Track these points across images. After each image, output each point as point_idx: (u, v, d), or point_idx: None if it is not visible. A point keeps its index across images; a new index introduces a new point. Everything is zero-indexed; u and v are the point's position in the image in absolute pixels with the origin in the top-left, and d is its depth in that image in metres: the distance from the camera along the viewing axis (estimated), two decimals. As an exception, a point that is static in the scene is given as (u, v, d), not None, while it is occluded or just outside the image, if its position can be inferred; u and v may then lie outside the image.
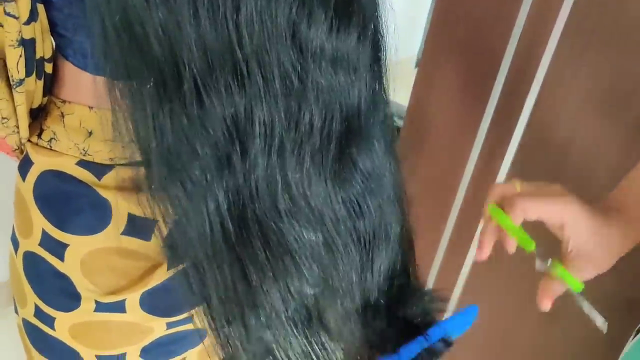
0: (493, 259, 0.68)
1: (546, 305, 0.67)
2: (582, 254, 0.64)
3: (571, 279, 0.65)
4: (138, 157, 0.51)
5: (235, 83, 0.48)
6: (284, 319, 0.58)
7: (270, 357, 0.60)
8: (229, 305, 0.57)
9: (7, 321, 1.83)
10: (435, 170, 1.35)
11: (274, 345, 0.59)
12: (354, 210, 0.58)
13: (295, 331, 0.59)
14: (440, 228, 1.36)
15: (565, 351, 1.25)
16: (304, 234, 0.55)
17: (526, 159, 1.18)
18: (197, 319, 0.71)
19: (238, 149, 0.50)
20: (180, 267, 0.62)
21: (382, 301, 0.65)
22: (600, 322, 0.65)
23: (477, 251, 0.69)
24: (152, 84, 0.47)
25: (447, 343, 0.68)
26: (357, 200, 0.58)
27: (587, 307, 0.65)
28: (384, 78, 0.59)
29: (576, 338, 1.20)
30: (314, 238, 0.56)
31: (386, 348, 0.66)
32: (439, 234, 1.36)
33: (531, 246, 0.66)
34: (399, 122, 1.44)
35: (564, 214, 0.64)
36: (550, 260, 0.67)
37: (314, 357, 0.61)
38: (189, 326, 0.75)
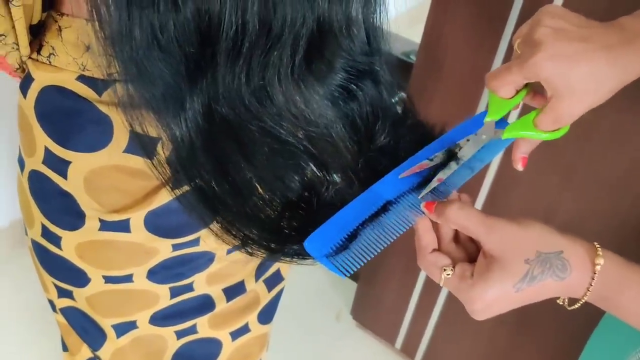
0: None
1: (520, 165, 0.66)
2: (561, 93, 0.58)
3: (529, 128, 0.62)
4: (114, 70, 0.52)
5: None
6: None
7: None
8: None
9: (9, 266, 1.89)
10: (452, 102, 1.33)
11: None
12: (342, 97, 0.58)
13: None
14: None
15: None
16: (282, 133, 0.56)
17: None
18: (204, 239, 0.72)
19: (208, 54, 0.50)
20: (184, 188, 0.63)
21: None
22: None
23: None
24: None
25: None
26: (344, 87, 0.58)
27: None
28: None
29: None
30: (300, 135, 0.56)
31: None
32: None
33: (497, 115, 0.64)
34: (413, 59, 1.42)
35: (539, 76, 0.58)
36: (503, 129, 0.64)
37: None
38: (195, 249, 0.75)
